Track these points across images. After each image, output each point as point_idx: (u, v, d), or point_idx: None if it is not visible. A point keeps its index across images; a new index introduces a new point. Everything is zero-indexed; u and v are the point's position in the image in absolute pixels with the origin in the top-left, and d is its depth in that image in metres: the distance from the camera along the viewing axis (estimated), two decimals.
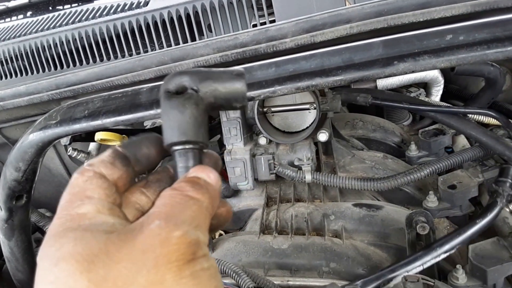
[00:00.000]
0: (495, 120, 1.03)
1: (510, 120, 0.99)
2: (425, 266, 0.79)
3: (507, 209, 0.97)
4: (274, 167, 1.03)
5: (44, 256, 0.30)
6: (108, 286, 0.28)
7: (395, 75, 0.71)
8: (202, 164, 0.38)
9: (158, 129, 1.30)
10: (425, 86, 1.35)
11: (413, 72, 0.69)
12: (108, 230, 0.31)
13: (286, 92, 0.76)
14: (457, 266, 0.80)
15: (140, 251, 0.29)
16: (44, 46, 1.01)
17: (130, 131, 1.24)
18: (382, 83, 1.26)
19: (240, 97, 0.39)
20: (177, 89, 0.37)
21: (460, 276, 0.80)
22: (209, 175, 0.37)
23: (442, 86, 1.31)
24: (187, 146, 0.37)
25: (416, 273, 0.81)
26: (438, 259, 0.80)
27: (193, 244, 0.30)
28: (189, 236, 0.30)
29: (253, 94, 0.76)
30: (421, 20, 0.81)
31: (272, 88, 0.76)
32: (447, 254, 0.80)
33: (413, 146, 1.14)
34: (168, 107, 0.37)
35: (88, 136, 1.15)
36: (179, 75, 0.38)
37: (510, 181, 0.87)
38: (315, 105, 1.01)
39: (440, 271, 0.86)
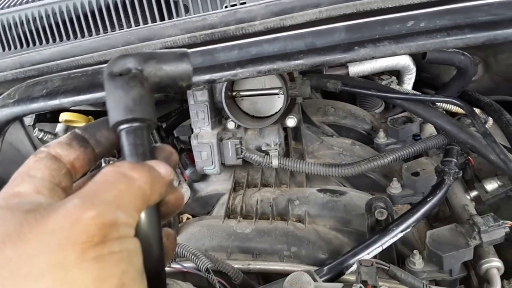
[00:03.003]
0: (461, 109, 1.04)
1: (474, 108, 1.00)
2: (384, 246, 0.82)
3: (468, 197, 0.99)
4: (241, 151, 1.03)
5: None
6: (10, 267, 0.27)
7: (355, 60, 0.71)
8: (151, 143, 0.38)
9: None
10: (398, 74, 1.35)
11: (373, 58, 0.69)
12: (29, 209, 0.30)
13: (248, 75, 0.75)
14: (414, 251, 0.82)
15: (50, 231, 0.28)
16: (10, 24, 0.98)
17: (97, 112, 1.22)
18: (354, 70, 1.26)
19: (186, 76, 0.40)
20: (122, 71, 0.37)
21: (417, 261, 0.82)
22: (158, 165, 0.36)
23: (414, 74, 1.31)
24: (134, 124, 0.36)
25: (374, 256, 0.82)
26: (395, 238, 0.82)
27: (107, 226, 0.29)
28: (104, 217, 0.29)
29: (214, 77, 0.75)
30: (390, 6, 0.81)
31: (234, 71, 0.74)
32: (404, 233, 0.83)
33: (381, 134, 1.15)
34: (112, 88, 0.36)
35: (53, 116, 1.12)
36: (123, 57, 0.38)
37: (455, 160, 0.91)
38: (283, 90, 1.00)
39: (399, 256, 0.88)
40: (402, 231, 0.82)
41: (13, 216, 0.30)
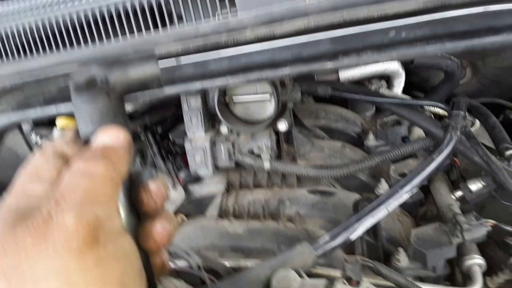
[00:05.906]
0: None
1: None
2: (390, 209, 0.79)
3: (453, 196, 1.02)
4: (234, 154, 1.06)
5: None
6: (18, 274, 0.29)
7: (340, 68, 0.74)
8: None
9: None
10: (388, 78, 1.39)
11: (356, 65, 0.73)
12: (23, 217, 0.31)
13: (238, 83, 0.78)
14: (399, 249, 0.85)
15: (42, 238, 0.29)
16: (7, 34, 1.00)
17: None
18: (344, 75, 1.28)
19: (155, 79, 0.38)
20: (87, 81, 0.36)
21: (402, 258, 0.85)
22: (110, 135, 0.35)
23: (403, 78, 1.35)
24: None
25: (362, 253, 0.85)
26: (401, 200, 0.81)
27: (92, 226, 0.30)
28: (84, 218, 0.30)
29: (205, 85, 0.79)
30: (375, 15, 0.84)
31: (224, 79, 0.78)
32: (409, 194, 0.81)
33: (371, 136, 1.18)
34: (79, 102, 0.36)
35: (50, 121, 1.15)
36: (87, 65, 0.37)
37: (462, 113, 0.87)
38: (274, 96, 1.04)
39: (385, 254, 0.91)
40: (407, 192, 0.80)
41: (13, 222, 0.31)
